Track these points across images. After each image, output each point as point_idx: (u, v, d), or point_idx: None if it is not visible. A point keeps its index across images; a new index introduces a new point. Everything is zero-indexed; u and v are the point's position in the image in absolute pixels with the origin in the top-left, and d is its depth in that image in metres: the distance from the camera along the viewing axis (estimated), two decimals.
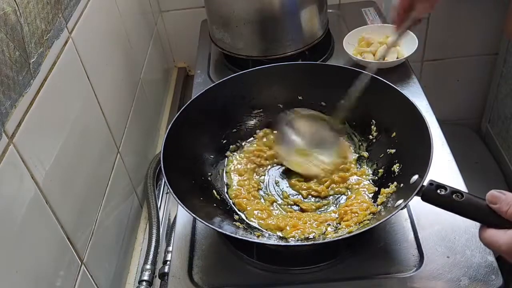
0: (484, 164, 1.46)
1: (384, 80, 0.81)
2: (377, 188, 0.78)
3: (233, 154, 0.89)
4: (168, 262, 0.78)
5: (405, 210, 0.77)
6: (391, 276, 0.69)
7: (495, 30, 1.42)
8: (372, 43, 1.07)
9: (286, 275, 0.72)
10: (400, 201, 0.67)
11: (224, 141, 0.89)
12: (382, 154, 0.81)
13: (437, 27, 1.41)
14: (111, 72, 0.93)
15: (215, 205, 0.78)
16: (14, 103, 0.58)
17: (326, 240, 0.70)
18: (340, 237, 0.66)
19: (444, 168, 0.82)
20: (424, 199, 0.64)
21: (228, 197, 0.81)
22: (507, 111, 1.43)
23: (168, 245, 0.87)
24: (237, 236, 0.68)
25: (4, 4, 0.57)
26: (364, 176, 0.82)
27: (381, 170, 0.80)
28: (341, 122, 0.86)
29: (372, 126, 0.85)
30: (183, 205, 0.66)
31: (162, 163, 0.73)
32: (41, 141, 0.64)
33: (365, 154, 0.85)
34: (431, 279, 0.67)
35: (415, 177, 0.68)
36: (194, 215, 0.66)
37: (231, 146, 0.89)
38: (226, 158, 0.88)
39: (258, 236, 0.73)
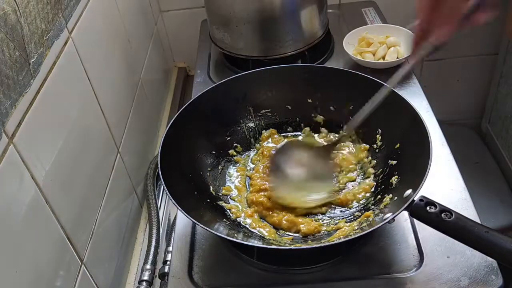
0: (484, 164, 1.46)
1: (395, 91, 0.79)
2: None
3: (236, 153, 0.89)
4: (168, 262, 0.78)
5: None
6: (391, 276, 0.69)
7: (495, 30, 1.41)
8: (372, 43, 1.07)
9: (286, 275, 0.72)
10: (389, 214, 0.66)
11: (228, 138, 0.89)
12: (384, 165, 0.80)
13: None
14: (111, 72, 0.93)
15: (214, 205, 0.78)
16: (14, 103, 0.58)
17: (322, 245, 0.69)
18: (335, 242, 0.66)
19: (444, 168, 0.82)
20: (412, 215, 0.64)
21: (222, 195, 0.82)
22: (507, 111, 1.43)
23: (168, 245, 0.87)
24: (242, 242, 0.68)
25: (4, 4, 0.57)
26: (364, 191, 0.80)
27: (380, 186, 0.79)
28: (349, 138, 0.85)
29: (377, 136, 0.84)
30: (188, 215, 0.66)
31: (159, 168, 0.72)
32: (41, 141, 0.64)
33: (371, 170, 0.83)
34: (431, 279, 0.67)
35: (409, 191, 0.67)
36: (198, 223, 0.66)
37: (234, 144, 0.89)
38: (231, 158, 0.88)
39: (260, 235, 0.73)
